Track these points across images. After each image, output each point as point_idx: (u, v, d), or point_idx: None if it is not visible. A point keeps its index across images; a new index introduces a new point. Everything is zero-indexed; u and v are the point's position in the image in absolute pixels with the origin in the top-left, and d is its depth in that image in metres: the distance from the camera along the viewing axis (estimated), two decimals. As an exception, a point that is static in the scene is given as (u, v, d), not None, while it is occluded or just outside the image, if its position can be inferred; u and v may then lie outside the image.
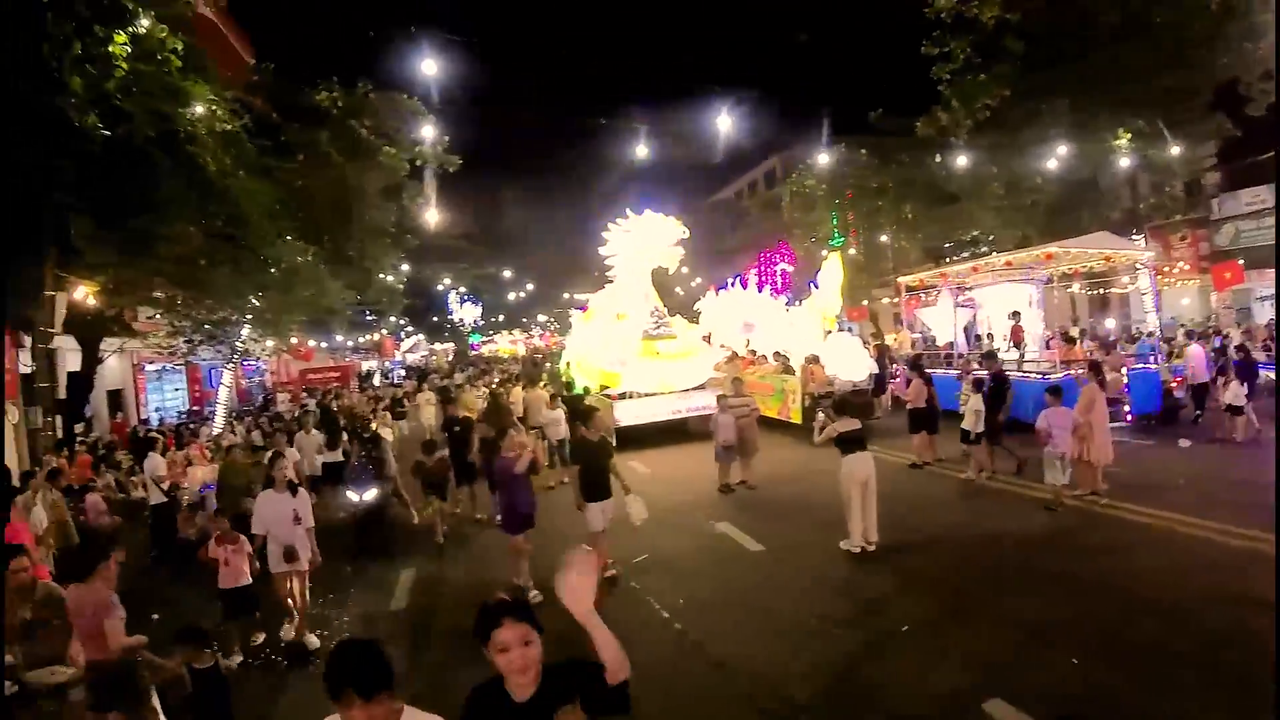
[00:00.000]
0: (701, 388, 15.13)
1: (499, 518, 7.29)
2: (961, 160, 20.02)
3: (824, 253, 23.02)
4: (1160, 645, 5.02)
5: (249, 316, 17.91)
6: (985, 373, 11.07)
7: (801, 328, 17.31)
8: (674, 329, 16.27)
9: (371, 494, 9.17)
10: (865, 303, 29.73)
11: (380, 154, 18.91)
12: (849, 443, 7.80)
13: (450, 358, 59.31)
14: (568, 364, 19.96)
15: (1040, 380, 12.92)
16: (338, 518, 9.45)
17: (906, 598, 6.36)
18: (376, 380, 40.33)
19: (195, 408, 26.28)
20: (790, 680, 5.09)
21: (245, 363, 26.13)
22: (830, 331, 17.08)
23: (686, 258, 17.71)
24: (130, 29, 9.27)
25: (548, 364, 29.20)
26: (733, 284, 20.74)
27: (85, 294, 13.59)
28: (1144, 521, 7.74)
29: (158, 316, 17.07)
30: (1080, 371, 10.76)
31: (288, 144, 16.95)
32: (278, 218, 14.08)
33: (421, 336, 60.39)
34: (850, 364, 15.32)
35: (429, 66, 13.80)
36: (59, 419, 12.86)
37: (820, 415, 9.57)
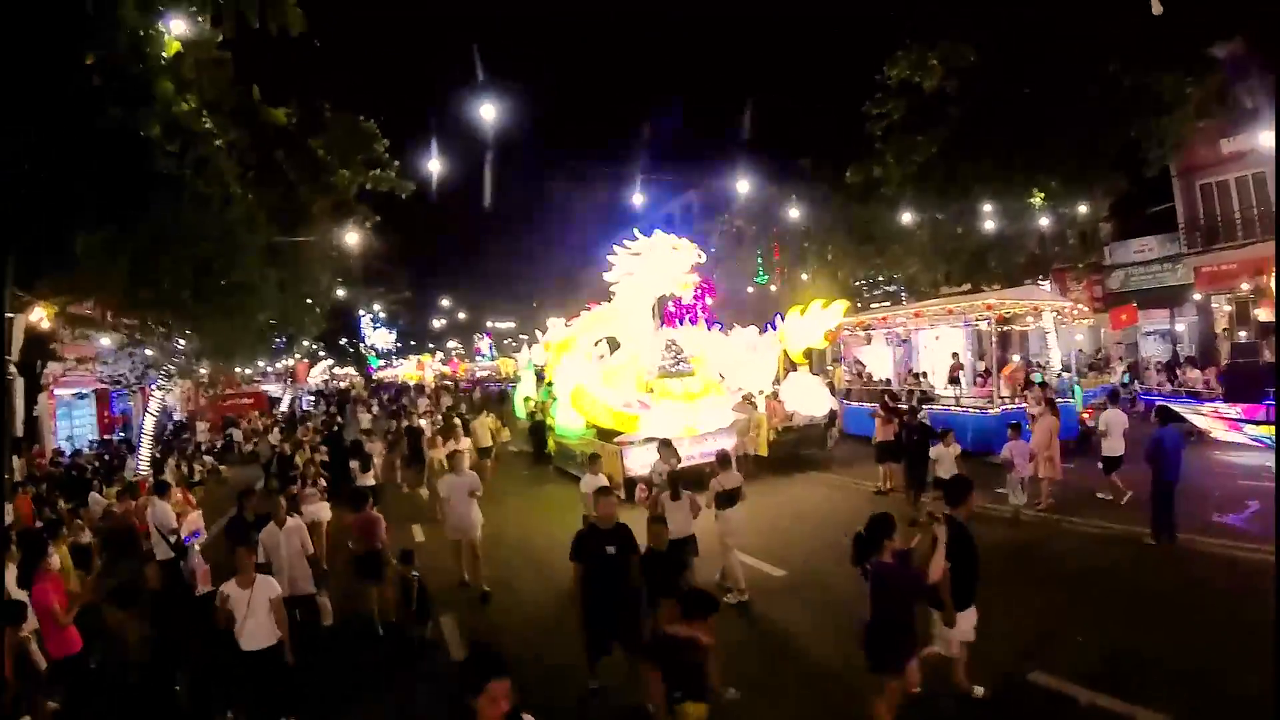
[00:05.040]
0: (719, 431, 13.61)
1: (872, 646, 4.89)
2: (890, 209, 21.78)
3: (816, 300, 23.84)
4: (1139, 619, 6.75)
5: (198, 342, 17.05)
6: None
7: (759, 363, 16.56)
8: (692, 365, 14.55)
9: None
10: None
11: (334, 175, 18.66)
12: (732, 498, 8.14)
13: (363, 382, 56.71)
14: (526, 399, 19.46)
15: (979, 414, 14.69)
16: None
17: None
18: (284, 406, 37.98)
19: (106, 436, 24.61)
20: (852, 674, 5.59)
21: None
22: (790, 369, 17.21)
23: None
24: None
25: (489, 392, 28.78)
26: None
27: (41, 317, 12.54)
28: (1089, 530, 9.68)
29: (86, 336, 16.10)
30: (1035, 408, 12.18)
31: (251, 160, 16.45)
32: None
33: (330, 361, 57.64)
34: (812, 400, 15.70)
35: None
36: (15, 459, 11.60)
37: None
